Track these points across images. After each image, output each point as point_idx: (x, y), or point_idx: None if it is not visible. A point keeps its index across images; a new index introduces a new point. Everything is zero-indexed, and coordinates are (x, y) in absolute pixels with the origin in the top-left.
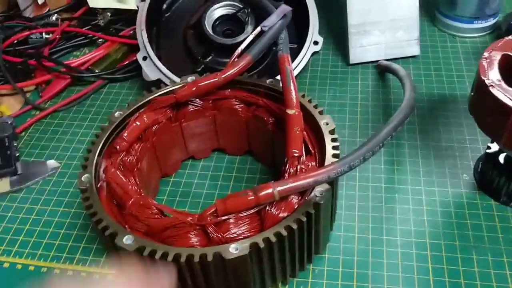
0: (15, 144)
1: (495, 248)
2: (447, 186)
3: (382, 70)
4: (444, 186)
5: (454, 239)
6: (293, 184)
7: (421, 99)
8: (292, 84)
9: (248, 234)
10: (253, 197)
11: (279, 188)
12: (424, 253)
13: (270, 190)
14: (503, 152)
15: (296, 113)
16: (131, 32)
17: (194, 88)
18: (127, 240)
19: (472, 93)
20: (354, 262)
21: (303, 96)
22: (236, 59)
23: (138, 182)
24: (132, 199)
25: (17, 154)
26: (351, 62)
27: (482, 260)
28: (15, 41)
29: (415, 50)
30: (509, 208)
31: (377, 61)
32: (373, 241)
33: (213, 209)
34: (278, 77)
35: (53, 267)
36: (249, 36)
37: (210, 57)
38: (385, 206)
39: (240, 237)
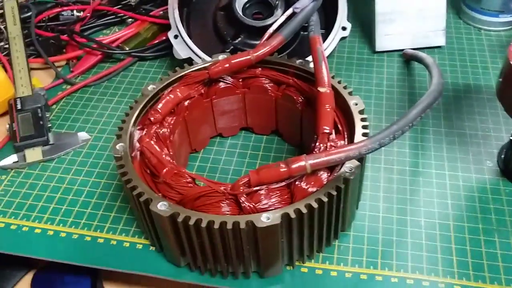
0: (47, 115)
1: None
2: (471, 172)
3: (408, 59)
4: (468, 171)
5: (477, 222)
6: (325, 158)
7: (446, 88)
8: (323, 64)
9: (279, 206)
10: (285, 169)
11: (311, 161)
12: (448, 234)
13: (302, 163)
14: None
15: (328, 91)
16: (161, 12)
17: (226, 65)
18: (161, 206)
19: (500, 79)
20: (379, 240)
21: (333, 77)
22: (267, 39)
23: (171, 153)
24: (167, 168)
25: (49, 125)
26: (377, 49)
27: (504, 242)
28: (46, 18)
29: (441, 40)
30: None
31: (402, 50)
32: (398, 221)
33: (246, 179)
34: (308, 58)
35: (84, 234)
36: (281, 17)
37: (239, 39)
38: (409, 188)
39: (270, 208)
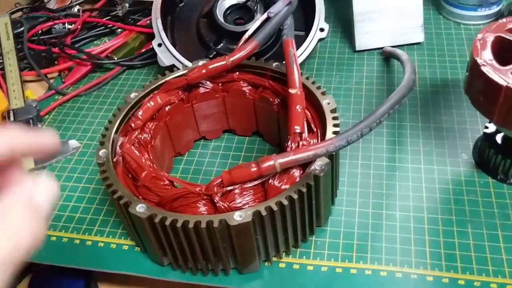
0: (39, 126)
1: (490, 222)
2: (446, 165)
3: (386, 56)
4: (443, 164)
5: (451, 214)
6: (294, 157)
7: (424, 84)
8: (295, 66)
9: (252, 204)
10: (256, 168)
11: (280, 160)
12: (422, 227)
13: (271, 162)
14: (500, 132)
15: (298, 93)
16: (148, 22)
17: (204, 71)
18: (140, 208)
19: (467, 73)
20: (355, 235)
21: (307, 78)
22: (243, 44)
23: (151, 157)
24: (145, 172)
25: None
26: (357, 49)
27: (477, 233)
28: (39, 31)
29: (419, 37)
30: (505, 185)
31: (382, 47)
32: (373, 215)
33: (219, 180)
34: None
35: (73, 237)
36: (255, 22)
37: (221, 44)
38: (385, 183)
39: (244, 207)
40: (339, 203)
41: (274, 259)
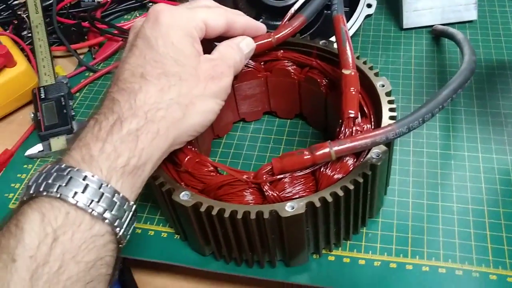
0: (70, 104)
1: None
2: (506, 154)
3: (437, 35)
4: (503, 153)
5: None
6: (351, 144)
7: (479, 65)
8: (348, 44)
9: (303, 194)
10: (309, 156)
11: (336, 148)
12: (482, 220)
13: (327, 150)
14: None
15: (352, 73)
16: None
17: None
18: (183, 196)
19: None
20: (409, 227)
21: (358, 57)
22: (289, 20)
23: (193, 141)
24: (188, 157)
25: (73, 114)
26: (404, 26)
27: None
28: (68, 4)
29: (472, 14)
30: None
31: (431, 26)
32: (428, 207)
33: (269, 168)
34: (331, 39)
35: None
36: None
37: (260, 20)
38: (440, 172)
39: (295, 197)
40: (391, 193)
41: (323, 251)
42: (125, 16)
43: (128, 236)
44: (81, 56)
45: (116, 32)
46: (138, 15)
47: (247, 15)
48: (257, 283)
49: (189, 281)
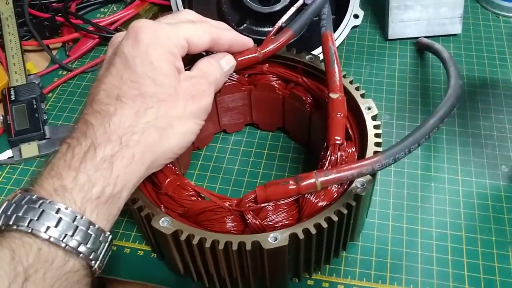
0: (43, 107)
1: None
2: (485, 177)
3: (422, 48)
4: (482, 177)
5: (491, 234)
6: (337, 175)
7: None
8: (336, 66)
9: (286, 222)
10: (294, 186)
11: (321, 179)
12: (460, 247)
13: (312, 181)
14: None
15: (340, 98)
16: None
17: None
18: (163, 222)
19: None
20: (388, 252)
21: (344, 76)
22: (275, 34)
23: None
24: (169, 179)
25: (45, 118)
26: (389, 37)
27: None
28: None
29: (457, 28)
30: None
31: (416, 37)
32: (408, 231)
33: (253, 196)
34: (315, 52)
35: None
36: (290, 8)
37: (245, 25)
38: (420, 194)
39: (277, 225)
40: (371, 215)
41: (302, 275)
42: (102, 9)
43: (103, 266)
44: (54, 53)
45: (91, 28)
46: (115, 9)
47: (231, 19)
48: None
49: None
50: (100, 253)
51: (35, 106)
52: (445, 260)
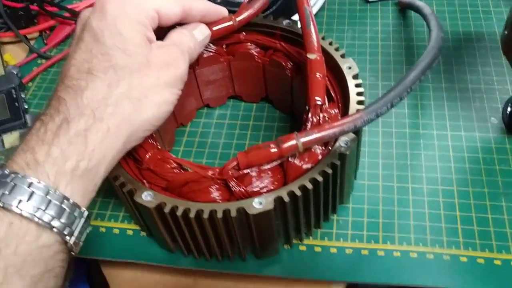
0: (23, 96)
1: None
2: (475, 130)
3: (403, 8)
4: (471, 130)
5: (483, 186)
6: (318, 135)
7: (445, 38)
8: (312, 27)
9: (271, 187)
10: (276, 150)
11: (303, 140)
12: (452, 201)
13: (294, 142)
14: None
15: (318, 58)
16: None
17: None
18: (146, 196)
19: (506, 32)
20: (380, 212)
21: (323, 38)
22: (250, 1)
23: (154, 135)
24: (149, 153)
25: (26, 107)
26: None
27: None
28: None
29: None
30: None
31: None
32: (398, 189)
33: (235, 163)
34: (295, 17)
35: None
36: None
37: None
38: (410, 152)
39: (263, 190)
40: (361, 177)
41: (294, 241)
42: None
43: (81, 244)
44: (32, 42)
45: (67, 15)
46: None
47: None
48: (230, 275)
49: (159, 274)
50: (75, 229)
51: (14, 96)
52: (438, 215)
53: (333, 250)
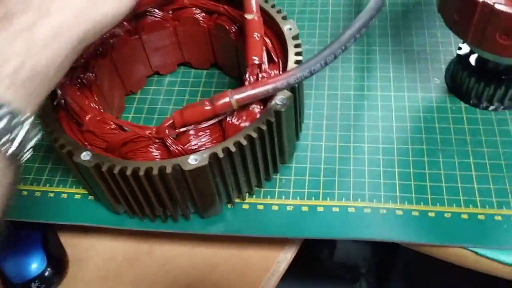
0: None
1: (462, 150)
2: (417, 91)
3: None
4: (414, 91)
5: (422, 144)
6: (251, 92)
7: (394, 3)
8: None
9: (210, 146)
10: (210, 107)
11: (236, 97)
12: (391, 158)
13: (227, 99)
14: (474, 53)
15: (256, 18)
16: None
17: None
18: (85, 156)
19: None
20: (321, 171)
21: (266, 1)
22: None
23: (96, 99)
24: (89, 115)
25: None
26: None
27: (448, 162)
28: None
29: None
30: (478, 110)
31: None
32: (341, 149)
33: (170, 121)
34: None
35: (21, 189)
36: None
37: None
38: (353, 113)
39: (201, 149)
40: (304, 138)
41: (236, 200)
42: None
43: (27, 156)
44: None
45: None
46: None
47: None
48: (187, 240)
49: (116, 240)
50: (16, 137)
51: None
52: (377, 172)
53: (275, 208)
